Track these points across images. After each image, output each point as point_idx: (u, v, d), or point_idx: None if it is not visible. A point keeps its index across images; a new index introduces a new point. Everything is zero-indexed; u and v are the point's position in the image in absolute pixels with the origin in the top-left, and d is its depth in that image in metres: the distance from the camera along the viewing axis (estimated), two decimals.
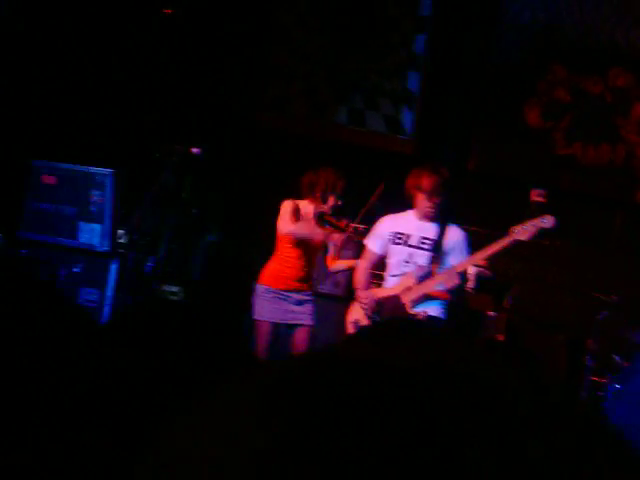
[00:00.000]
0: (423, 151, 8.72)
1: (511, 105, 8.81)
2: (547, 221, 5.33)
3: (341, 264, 6.47)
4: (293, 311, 6.14)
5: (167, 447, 0.75)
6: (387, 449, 0.68)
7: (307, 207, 6.19)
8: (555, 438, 0.73)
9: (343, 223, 6.09)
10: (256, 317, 6.18)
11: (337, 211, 6.17)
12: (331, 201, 6.15)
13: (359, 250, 6.14)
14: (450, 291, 5.48)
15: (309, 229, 6.09)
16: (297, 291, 6.16)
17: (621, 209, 8.67)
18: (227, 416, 0.74)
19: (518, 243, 5.39)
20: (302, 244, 6.12)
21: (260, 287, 6.20)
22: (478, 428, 0.70)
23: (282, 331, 6.19)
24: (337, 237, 6.13)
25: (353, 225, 6.23)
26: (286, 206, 6.13)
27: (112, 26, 8.03)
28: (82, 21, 7.86)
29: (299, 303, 6.16)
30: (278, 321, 6.12)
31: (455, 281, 5.39)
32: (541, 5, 8.79)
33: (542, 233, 5.42)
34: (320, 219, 6.12)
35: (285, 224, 6.08)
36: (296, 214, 6.12)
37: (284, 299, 6.14)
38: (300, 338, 6.11)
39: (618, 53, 8.71)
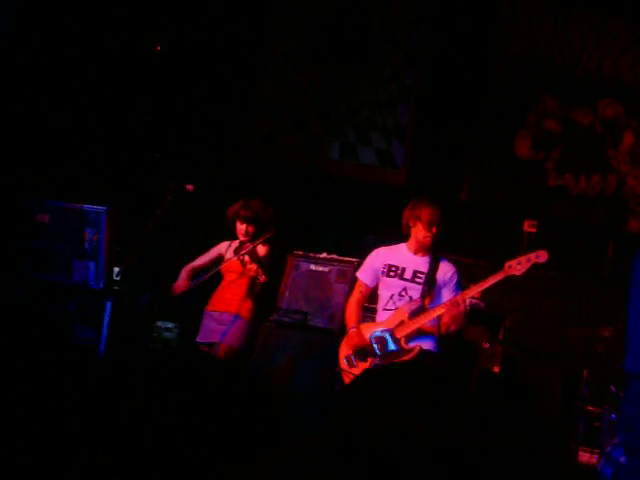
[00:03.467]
0: (415, 183, 8.76)
1: (502, 136, 8.87)
2: (540, 256, 5.41)
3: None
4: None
5: None
6: None
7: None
8: None
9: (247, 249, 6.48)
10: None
11: (251, 237, 6.60)
12: (238, 228, 6.64)
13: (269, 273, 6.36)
14: (454, 320, 5.52)
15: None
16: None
17: (613, 238, 8.70)
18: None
19: (512, 278, 5.45)
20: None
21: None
22: None
23: None
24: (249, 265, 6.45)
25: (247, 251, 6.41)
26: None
27: (105, 63, 8.06)
28: (76, 57, 7.89)
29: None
30: None
31: (460, 308, 5.45)
32: (530, 37, 8.86)
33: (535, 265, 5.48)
34: (238, 248, 6.64)
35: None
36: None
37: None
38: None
39: (606, 84, 8.78)
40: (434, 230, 5.67)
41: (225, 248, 6.84)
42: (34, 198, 6.53)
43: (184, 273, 6.81)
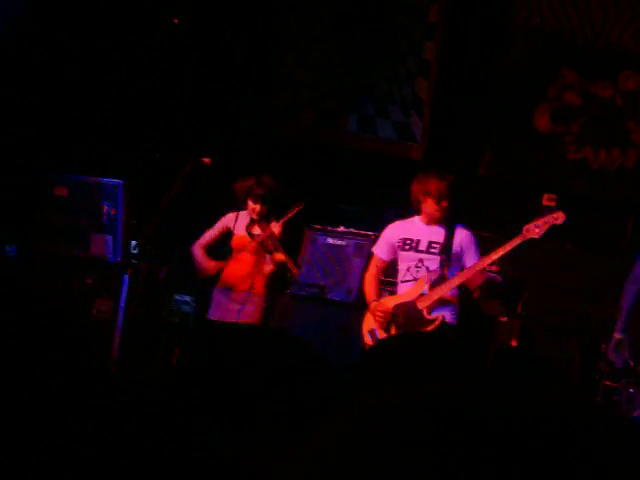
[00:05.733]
0: (433, 157, 8.72)
1: (521, 110, 8.80)
2: (559, 218, 5.36)
3: (266, 269, 6.48)
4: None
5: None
6: None
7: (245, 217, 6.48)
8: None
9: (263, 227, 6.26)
10: None
11: (264, 216, 6.32)
12: (250, 206, 6.32)
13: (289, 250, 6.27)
14: (479, 287, 5.53)
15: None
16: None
17: (633, 213, 8.64)
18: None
19: (531, 241, 5.42)
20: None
21: None
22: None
23: None
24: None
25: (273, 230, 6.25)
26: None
27: (123, 37, 8.06)
28: (93, 33, 7.88)
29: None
30: None
31: (482, 277, 5.45)
32: (550, 10, 8.78)
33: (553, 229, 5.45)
34: (249, 225, 6.33)
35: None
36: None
37: None
38: None
39: (627, 56, 8.69)
40: (444, 204, 5.61)
41: (232, 221, 6.57)
42: (52, 172, 6.56)
43: (200, 252, 6.57)
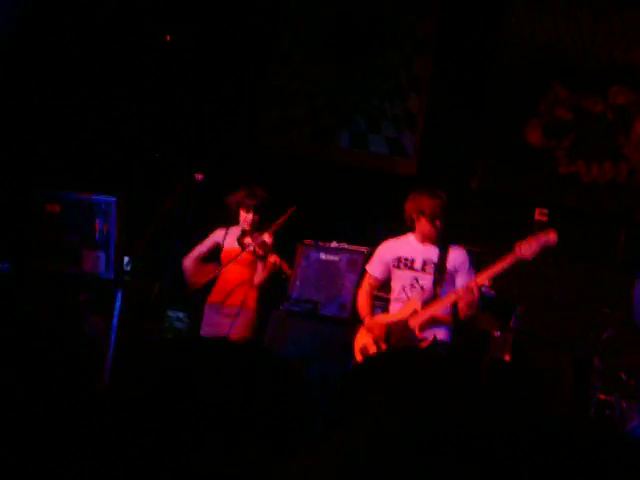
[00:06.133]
0: (426, 172, 8.74)
1: (513, 124, 8.83)
2: (550, 236, 5.33)
3: (258, 277, 6.50)
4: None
5: None
6: None
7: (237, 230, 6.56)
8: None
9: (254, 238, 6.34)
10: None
11: (256, 226, 6.43)
12: (242, 217, 6.45)
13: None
14: (469, 306, 5.46)
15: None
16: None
17: (624, 226, 8.66)
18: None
19: (523, 261, 5.38)
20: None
21: None
22: None
23: None
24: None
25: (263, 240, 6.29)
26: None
27: (115, 54, 8.07)
28: (86, 50, 7.89)
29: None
30: None
31: (475, 295, 5.39)
32: (540, 25, 8.82)
33: (546, 249, 5.40)
34: (241, 237, 6.42)
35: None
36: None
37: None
38: None
39: (618, 71, 8.73)
40: (437, 223, 5.59)
41: (222, 236, 6.65)
42: (45, 189, 6.54)
43: (192, 264, 6.63)
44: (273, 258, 6.21)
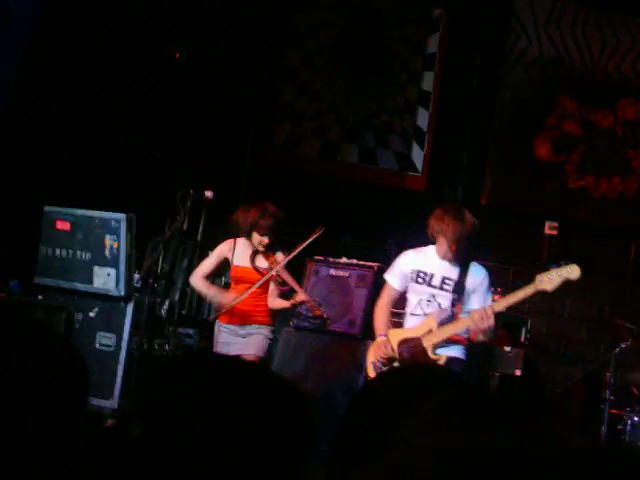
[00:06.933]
0: (434, 187, 8.74)
1: (522, 139, 8.84)
2: (572, 271, 5.16)
3: (277, 304, 6.28)
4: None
5: None
6: None
7: (246, 245, 6.29)
8: None
9: (270, 260, 6.10)
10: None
11: (268, 247, 6.17)
12: (257, 239, 6.16)
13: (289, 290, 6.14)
14: (482, 332, 5.32)
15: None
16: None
17: (634, 239, 8.65)
18: None
19: (542, 293, 5.26)
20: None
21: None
22: None
23: None
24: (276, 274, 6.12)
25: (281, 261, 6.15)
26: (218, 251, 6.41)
27: (123, 72, 8.11)
28: (94, 67, 7.94)
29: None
30: None
31: (490, 321, 5.24)
32: (548, 39, 8.83)
33: (566, 283, 5.26)
34: (253, 257, 6.16)
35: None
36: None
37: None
38: None
39: (626, 85, 8.74)
40: (454, 247, 5.42)
41: (229, 250, 6.38)
42: (55, 206, 6.56)
43: (201, 283, 6.35)
44: (299, 297, 6.02)
